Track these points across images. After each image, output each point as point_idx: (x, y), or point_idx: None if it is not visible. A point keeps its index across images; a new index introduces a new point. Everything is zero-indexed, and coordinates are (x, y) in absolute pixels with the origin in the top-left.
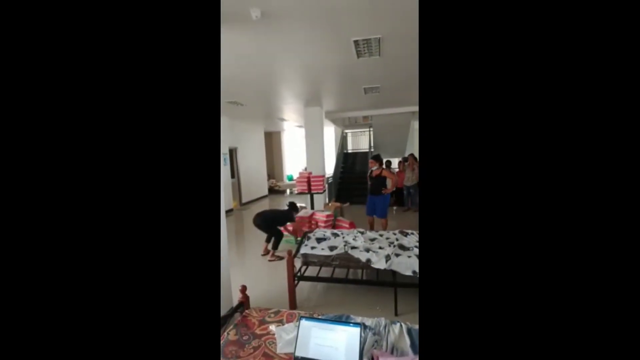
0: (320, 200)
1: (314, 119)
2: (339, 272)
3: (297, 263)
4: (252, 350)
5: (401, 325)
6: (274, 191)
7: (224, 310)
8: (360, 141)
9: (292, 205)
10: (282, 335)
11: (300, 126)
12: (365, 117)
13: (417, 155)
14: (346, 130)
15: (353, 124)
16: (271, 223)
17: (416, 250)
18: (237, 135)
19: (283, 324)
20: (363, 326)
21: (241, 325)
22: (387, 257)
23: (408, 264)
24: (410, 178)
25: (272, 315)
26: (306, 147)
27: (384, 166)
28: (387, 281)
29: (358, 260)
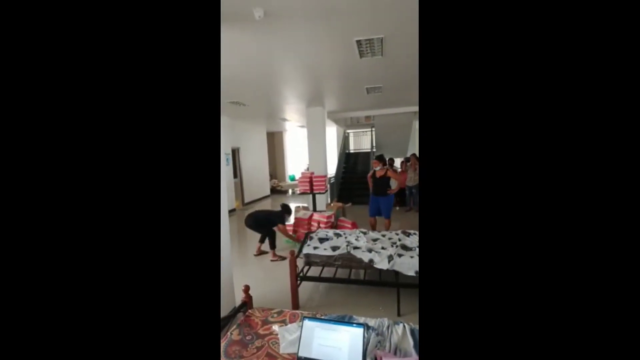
0: (323, 200)
1: (316, 119)
2: (342, 273)
3: (300, 263)
4: (255, 350)
5: (404, 326)
6: (276, 191)
7: (227, 310)
8: (362, 141)
9: (285, 207)
10: (285, 335)
11: (302, 126)
12: (367, 117)
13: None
14: (348, 130)
15: (355, 124)
16: (263, 224)
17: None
18: (239, 135)
19: (286, 324)
20: (366, 327)
21: (244, 325)
22: (390, 258)
23: (410, 265)
24: (413, 178)
25: (275, 315)
26: (308, 147)
27: (387, 166)
28: (390, 281)
29: (360, 261)
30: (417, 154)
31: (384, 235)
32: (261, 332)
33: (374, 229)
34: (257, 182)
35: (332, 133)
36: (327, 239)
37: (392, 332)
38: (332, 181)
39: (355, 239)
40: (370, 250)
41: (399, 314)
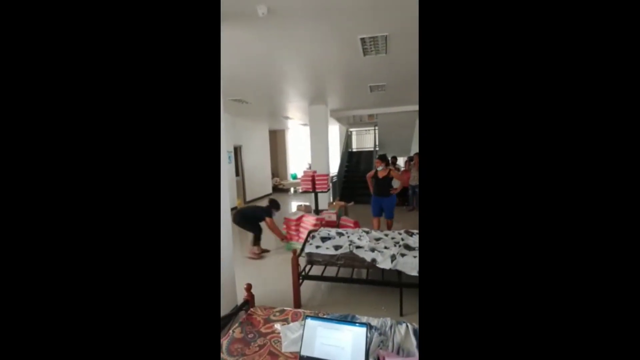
0: (325, 199)
1: (318, 117)
2: (344, 272)
3: (302, 262)
4: (257, 349)
5: (407, 326)
6: (278, 189)
7: (229, 308)
8: (364, 140)
9: (273, 202)
10: (288, 334)
11: (304, 124)
12: (370, 116)
13: None
14: (351, 129)
15: (358, 122)
16: (249, 220)
17: None
18: (241, 133)
19: (288, 323)
20: (369, 326)
21: (246, 323)
22: (393, 257)
23: (413, 264)
24: (416, 177)
25: (277, 314)
26: (311, 146)
27: (390, 166)
28: (393, 281)
29: (363, 260)
30: None
31: (386, 235)
32: (263, 330)
33: (377, 229)
34: (259, 180)
35: (334, 131)
36: (329, 238)
37: (394, 332)
38: (334, 180)
39: (358, 238)
40: (372, 250)
41: (401, 314)
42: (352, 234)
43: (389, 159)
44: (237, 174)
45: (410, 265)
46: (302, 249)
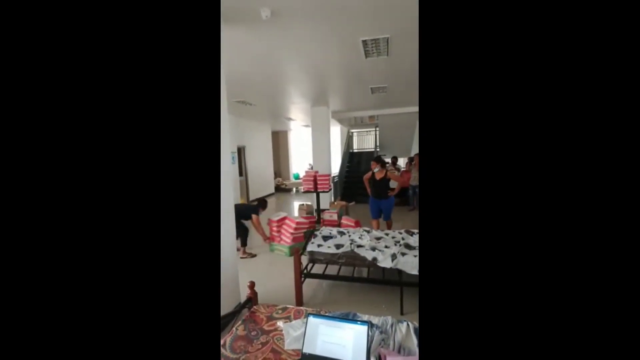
0: (326, 198)
1: (320, 119)
2: (345, 270)
3: (304, 260)
4: (260, 346)
5: (408, 325)
6: (280, 189)
7: (232, 306)
8: (366, 141)
9: (260, 201)
10: (290, 331)
11: (306, 125)
12: (371, 117)
13: None
14: (352, 130)
15: (359, 123)
16: (237, 218)
17: None
18: (245, 134)
19: (290, 321)
20: (370, 324)
21: (249, 321)
22: (393, 256)
23: (414, 263)
24: (416, 177)
25: (280, 311)
26: (312, 146)
27: (386, 168)
28: (393, 280)
29: (364, 259)
30: None
31: (387, 234)
32: (266, 327)
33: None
34: (262, 180)
35: (336, 132)
36: (331, 237)
37: (396, 330)
38: (335, 180)
39: (359, 237)
40: (373, 249)
41: (402, 313)
42: (353, 233)
43: (390, 159)
44: (240, 174)
45: (410, 264)
46: (305, 248)
